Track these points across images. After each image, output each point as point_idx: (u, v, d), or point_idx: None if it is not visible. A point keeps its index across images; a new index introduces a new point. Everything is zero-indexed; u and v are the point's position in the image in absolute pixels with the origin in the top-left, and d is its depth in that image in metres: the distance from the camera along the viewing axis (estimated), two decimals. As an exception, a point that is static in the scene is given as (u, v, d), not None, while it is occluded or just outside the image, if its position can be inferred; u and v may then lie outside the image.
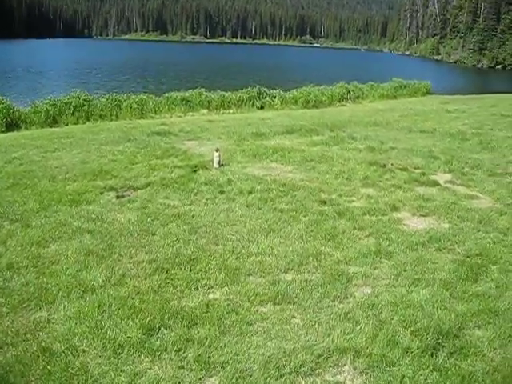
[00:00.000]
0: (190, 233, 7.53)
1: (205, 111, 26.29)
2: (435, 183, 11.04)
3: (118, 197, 9.43)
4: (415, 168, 12.22)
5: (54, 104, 22.50)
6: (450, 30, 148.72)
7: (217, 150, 11.41)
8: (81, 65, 68.02)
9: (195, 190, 9.68)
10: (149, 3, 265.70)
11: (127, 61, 79.93)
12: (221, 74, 61.43)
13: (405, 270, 6.77)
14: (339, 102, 32.84)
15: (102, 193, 9.55)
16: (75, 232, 7.46)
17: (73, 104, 22.91)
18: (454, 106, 28.06)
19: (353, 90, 34.94)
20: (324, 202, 9.32)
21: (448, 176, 11.72)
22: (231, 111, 26.84)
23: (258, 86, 29.21)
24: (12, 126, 20.44)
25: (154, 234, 7.43)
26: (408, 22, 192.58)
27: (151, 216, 8.17)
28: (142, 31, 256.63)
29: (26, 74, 53.54)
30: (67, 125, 22.12)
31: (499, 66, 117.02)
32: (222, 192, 9.70)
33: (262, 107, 28.09)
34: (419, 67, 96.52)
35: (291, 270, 6.61)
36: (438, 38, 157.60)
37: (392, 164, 12.48)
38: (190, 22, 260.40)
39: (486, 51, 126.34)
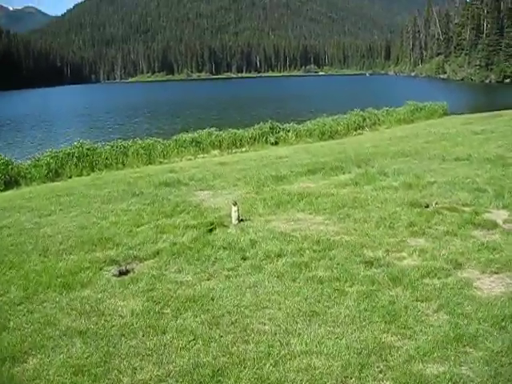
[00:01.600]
0: (210, 326, 5.82)
1: (216, 152, 24.90)
2: (493, 224, 9.28)
3: (120, 273, 7.79)
4: (464, 205, 10.49)
5: (55, 156, 21.23)
6: (454, 47, 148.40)
7: (235, 203, 9.77)
8: (91, 110, 67.82)
9: (213, 258, 8.01)
10: (153, 45, 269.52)
11: (137, 103, 79.88)
12: (231, 108, 60.87)
13: (502, 365, 5.00)
14: (355, 130, 31.45)
15: (101, 268, 7.92)
16: (63, 335, 5.78)
17: (76, 154, 21.64)
18: (478, 126, 26.38)
19: (368, 117, 33.53)
20: (370, 264, 7.60)
21: (504, 213, 9.97)
22: (244, 149, 25.45)
23: (270, 121, 27.88)
24: (11, 183, 19.15)
25: (164, 333, 5.72)
26: (411, 44, 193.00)
27: (160, 303, 6.48)
28: (148, 72, 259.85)
29: (38, 123, 53.01)
30: (70, 177, 20.79)
31: (508, 80, 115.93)
32: (245, 258, 8.03)
33: (276, 143, 26.69)
34: (427, 87, 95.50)
35: (350, 378, 4.87)
36: (442, 56, 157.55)
37: (436, 203, 10.76)
38: (195, 60, 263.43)
39: (493, 66, 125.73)
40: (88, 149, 22.26)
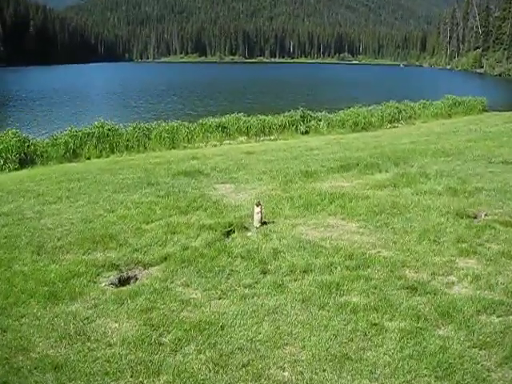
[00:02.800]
0: (216, 369, 4.66)
1: (243, 138, 23.65)
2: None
3: (119, 281, 6.73)
4: (518, 219, 9.18)
5: (74, 135, 20.19)
6: (493, 41, 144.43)
7: (258, 203, 8.58)
8: (124, 88, 67.22)
9: (228, 270, 6.85)
10: (187, 26, 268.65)
11: (171, 83, 79.15)
12: (265, 93, 59.70)
13: None
14: (390, 123, 29.88)
15: (98, 274, 6.84)
16: (34, 368, 4.67)
17: (96, 135, 20.58)
18: (524, 125, 24.70)
19: (404, 110, 31.89)
20: (414, 290, 6.36)
21: None
22: (272, 137, 24.13)
23: (301, 109, 26.46)
24: (27, 161, 18.16)
25: (157, 374, 4.58)
26: (448, 36, 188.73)
27: (159, 328, 5.34)
28: (181, 53, 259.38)
29: (70, 99, 52.49)
30: (89, 158, 19.79)
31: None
32: (265, 272, 6.86)
33: (306, 132, 25.33)
34: (463, 81, 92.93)
35: None
36: (479, 50, 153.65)
37: (486, 215, 9.46)
38: (228, 43, 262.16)
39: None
40: (109, 129, 21.18)
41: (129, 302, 5.93)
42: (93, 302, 5.98)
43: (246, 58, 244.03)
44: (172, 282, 6.51)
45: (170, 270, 6.84)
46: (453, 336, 5.30)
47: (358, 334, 5.29)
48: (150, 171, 13.47)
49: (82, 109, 43.40)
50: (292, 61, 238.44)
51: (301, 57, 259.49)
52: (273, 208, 9.58)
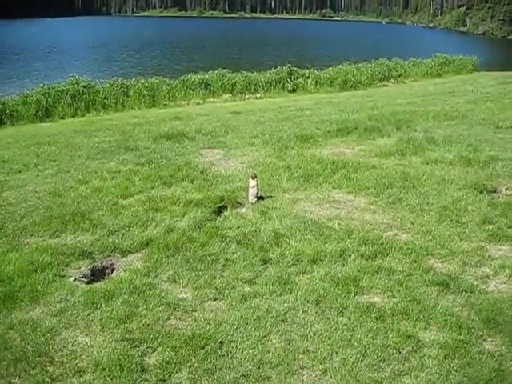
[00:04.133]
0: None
1: (227, 96, 22.26)
2: None
3: (92, 273, 5.60)
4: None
5: (46, 93, 18.64)
6: (478, 0, 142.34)
7: (254, 176, 7.41)
8: (107, 43, 64.35)
9: (222, 260, 5.73)
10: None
11: (154, 38, 76.34)
12: (250, 48, 57.75)
13: None
14: (380, 81, 28.61)
15: (66, 265, 5.68)
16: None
17: (70, 92, 19.05)
18: (521, 86, 23.62)
19: (394, 68, 30.61)
20: (446, 286, 5.32)
21: None
22: (258, 95, 22.77)
23: (288, 65, 25.04)
24: (-6, 121, 16.66)
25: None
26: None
27: (142, 344, 4.22)
28: (160, 7, 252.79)
29: (50, 53, 49.97)
30: (63, 117, 18.35)
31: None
32: (266, 261, 5.76)
33: (293, 90, 24.02)
34: (447, 39, 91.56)
35: None
36: (463, 8, 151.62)
37: (507, 189, 8.44)
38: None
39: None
40: (84, 86, 19.62)
41: (103, 305, 4.79)
42: (59, 305, 4.82)
43: (226, 13, 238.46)
44: (156, 277, 5.38)
45: (152, 260, 5.70)
46: (504, 352, 4.28)
47: (390, 351, 4.24)
48: (128, 133, 12.18)
49: (65, 63, 41.24)
50: (273, 16, 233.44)
51: (282, 12, 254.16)
52: (268, 179, 8.44)
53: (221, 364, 4.01)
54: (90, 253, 5.92)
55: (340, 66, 28.11)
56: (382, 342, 4.33)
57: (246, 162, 9.45)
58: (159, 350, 4.17)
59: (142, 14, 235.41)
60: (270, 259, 5.81)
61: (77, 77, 19.95)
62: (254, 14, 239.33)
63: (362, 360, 4.10)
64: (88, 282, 5.41)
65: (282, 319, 4.64)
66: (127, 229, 6.49)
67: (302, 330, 4.49)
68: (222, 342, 4.27)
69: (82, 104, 18.97)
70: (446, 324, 4.64)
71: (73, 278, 5.43)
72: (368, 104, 17.29)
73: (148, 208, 7.13)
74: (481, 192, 8.13)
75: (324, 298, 4.99)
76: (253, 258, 5.78)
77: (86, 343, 4.26)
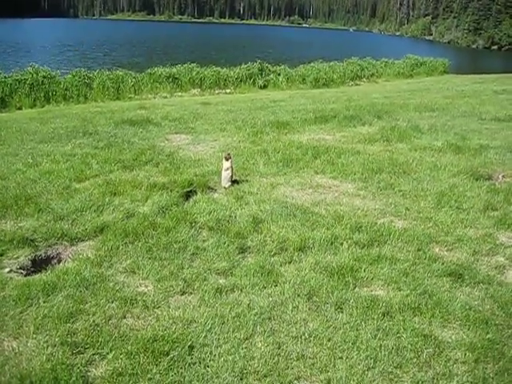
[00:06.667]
0: None
1: (196, 91, 21.31)
2: None
3: (33, 264, 4.59)
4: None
5: (3, 81, 17.36)
6: (443, 9, 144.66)
7: (228, 156, 6.45)
8: (78, 44, 62.08)
9: (191, 249, 4.75)
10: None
11: (124, 38, 74.36)
12: (221, 50, 56.24)
13: None
14: (352, 80, 28.01)
15: (2, 254, 4.64)
16: None
17: (28, 82, 17.78)
18: (494, 85, 23.14)
19: (366, 68, 30.05)
20: (459, 277, 4.46)
21: None
22: (228, 91, 21.88)
23: (259, 61, 24.19)
24: None
25: None
26: (398, 2, 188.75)
27: (87, 350, 3.23)
28: (128, 11, 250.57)
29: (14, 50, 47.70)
30: (20, 108, 17.11)
31: (495, 47, 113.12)
32: (243, 250, 4.82)
33: (264, 86, 23.15)
34: (414, 47, 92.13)
35: None
36: (429, 18, 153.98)
37: (503, 176, 7.69)
38: (177, 2, 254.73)
39: (482, 31, 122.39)
40: (44, 76, 18.38)
41: (41, 301, 3.77)
42: (-16, 300, 3.80)
43: (195, 18, 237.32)
44: (110, 267, 4.38)
45: (107, 248, 4.70)
46: (545, 354, 3.41)
47: (407, 355, 3.33)
48: (88, 120, 11.10)
49: (39, 60, 39.47)
50: (241, 22, 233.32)
51: (251, 19, 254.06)
52: (243, 163, 7.50)
53: (191, 375, 3.04)
54: (32, 240, 4.89)
55: (312, 64, 27.39)
56: (394, 344, 3.42)
57: (218, 147, 8.50)
58: (110, 357, 3.18)
59: (109, 17, 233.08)
60: (249, 247, 4.87)
61: (36, 66, 18.70)
62: (222, 20, 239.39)
63: (373, 367, 3.18)
64: (27, 275, 4.39)
65: (267, 316, 3.69)
66: (79, 214, 5.47)
67: (293, 329, 3.56)
68: (191, 347, 3.30)
69: (42, 95, 17.76)
70: (468, 320, 3.76)
71: (7, 270, 4.41)
72: (344, 97, 16.53)
73: (105, 191, 6.11)
74: (476, 179, 7.36)
75: (317, 291, 4.07)
76: (228, 245, 4.83)
77: (13, 349, 3.24)
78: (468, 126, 11.39)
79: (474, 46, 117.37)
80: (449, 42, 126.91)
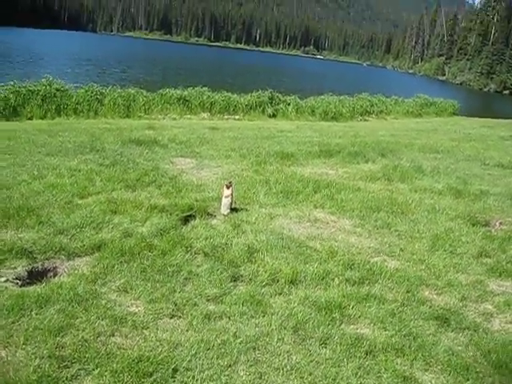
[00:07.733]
0: None
1: (205, 115, 21.48)
2: None
3: (30, 275, 4.67)
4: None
5: (16, 91, 17.56)
6: (457, 51, 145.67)
7: (229, 184, 6.58)
8: (98, 59, 62.78)
9: (184, 273, 4.84)
10: (155, 2, 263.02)
11: (142, 55, 75.21)
12: (235, 75, 56.74)
13: None
14: (361, 115, 28.21)
15: (0, 263, 4.74)
16: None
17: (41, 93, 17.94)
18: (502, 131, 23.37)
19: (376, 104, 30.30)
20: (445, 322, 4.53)
21: None
22: (237, 117, 22.07)
23: (269, 90, 24.43)
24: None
25: None
26: (413, 41, 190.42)
27: (73, 365, 3.31)
28: (146, 29, 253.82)
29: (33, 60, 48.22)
30: (31, 118, 17.26)
31: (507, 92, 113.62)
32: (236, 279, 4.90)
33: (273, 115, 23.33)
34: (427, 86, 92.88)
35: None
36: (443, 58, 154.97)
37: (501, 223, 7.77)
38: (194, 24, 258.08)
39: (494, 75, 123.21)
40: (57, 89, 18.61)
41: (33, 313, 3.86)
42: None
43: (211, 41, 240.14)
44: (104, 285, 4.47)
45: (103, 266, 4.80)
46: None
47: (386, 396, 3.40)
48: (96, 136, 11.27)
49: (58, 71, 39.88)
50: (257, 49, 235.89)
51: (266, 46, 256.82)
52: (244, 192, 7.62)
53: (171, 399, 3.12)
54: (30, 252, 5.00)
55: (322, 96, 27.64)
56: (374, 383, 3.49)
57: (221, 173, 8.63)
58: (95, 373, 3.26)
59: (127, 33, 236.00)
60: (241, 276, 4.96)
61: (50, 78, 18.97)
62: (238, 45, 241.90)
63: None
64: (22, 285, 4.48)
65: (252, 346, 3.77)
66: (78, 229, 5.58)
67: (276, 361, 3.63)
68: (175, 370, 3.38)
69: (53, 107, 17.94)
70: (450, 366, 3.83)
71: (4, 279, 4.51)
72: (350, 132, 16.71)
73: (106, 209, 6.23)
74: (473, 224, 7.46)
75: (304, 325, 4.15)
76: (221, 272, 4.92)
77: (1, 358, 3.33)
78: (471, 170, 11.53)
79: (485, 90, 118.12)
80: (461, 84, 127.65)
